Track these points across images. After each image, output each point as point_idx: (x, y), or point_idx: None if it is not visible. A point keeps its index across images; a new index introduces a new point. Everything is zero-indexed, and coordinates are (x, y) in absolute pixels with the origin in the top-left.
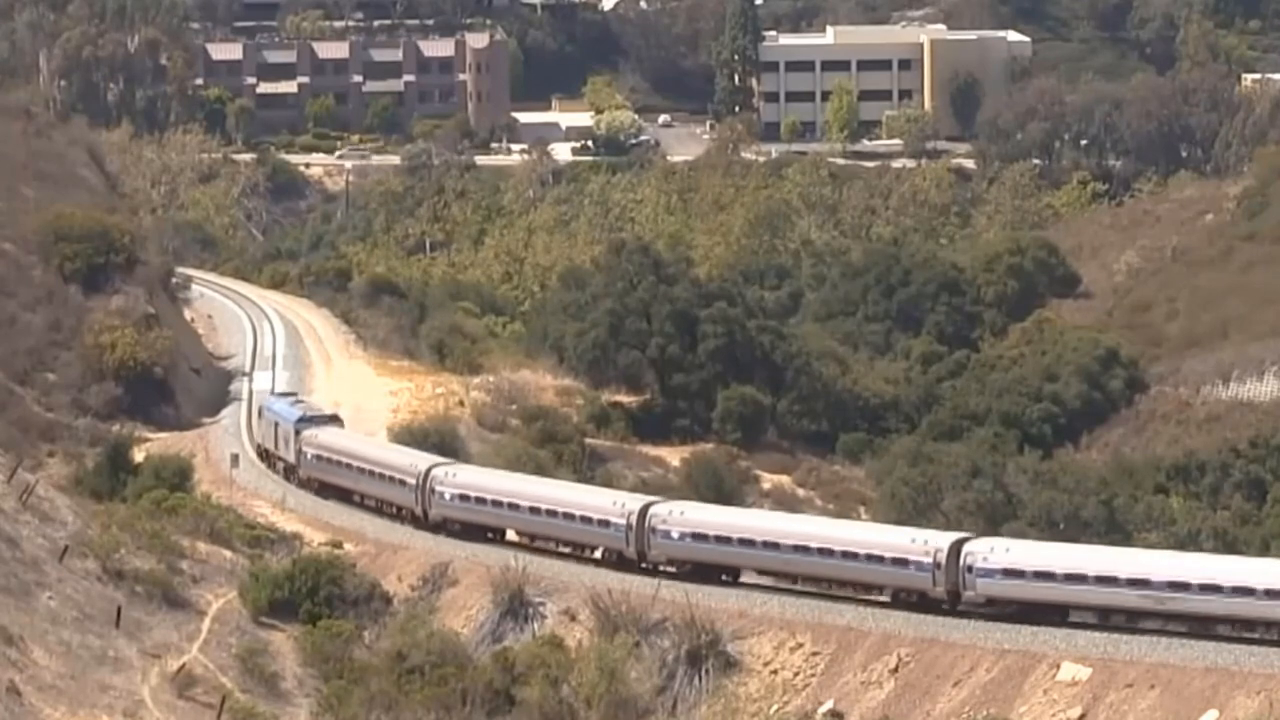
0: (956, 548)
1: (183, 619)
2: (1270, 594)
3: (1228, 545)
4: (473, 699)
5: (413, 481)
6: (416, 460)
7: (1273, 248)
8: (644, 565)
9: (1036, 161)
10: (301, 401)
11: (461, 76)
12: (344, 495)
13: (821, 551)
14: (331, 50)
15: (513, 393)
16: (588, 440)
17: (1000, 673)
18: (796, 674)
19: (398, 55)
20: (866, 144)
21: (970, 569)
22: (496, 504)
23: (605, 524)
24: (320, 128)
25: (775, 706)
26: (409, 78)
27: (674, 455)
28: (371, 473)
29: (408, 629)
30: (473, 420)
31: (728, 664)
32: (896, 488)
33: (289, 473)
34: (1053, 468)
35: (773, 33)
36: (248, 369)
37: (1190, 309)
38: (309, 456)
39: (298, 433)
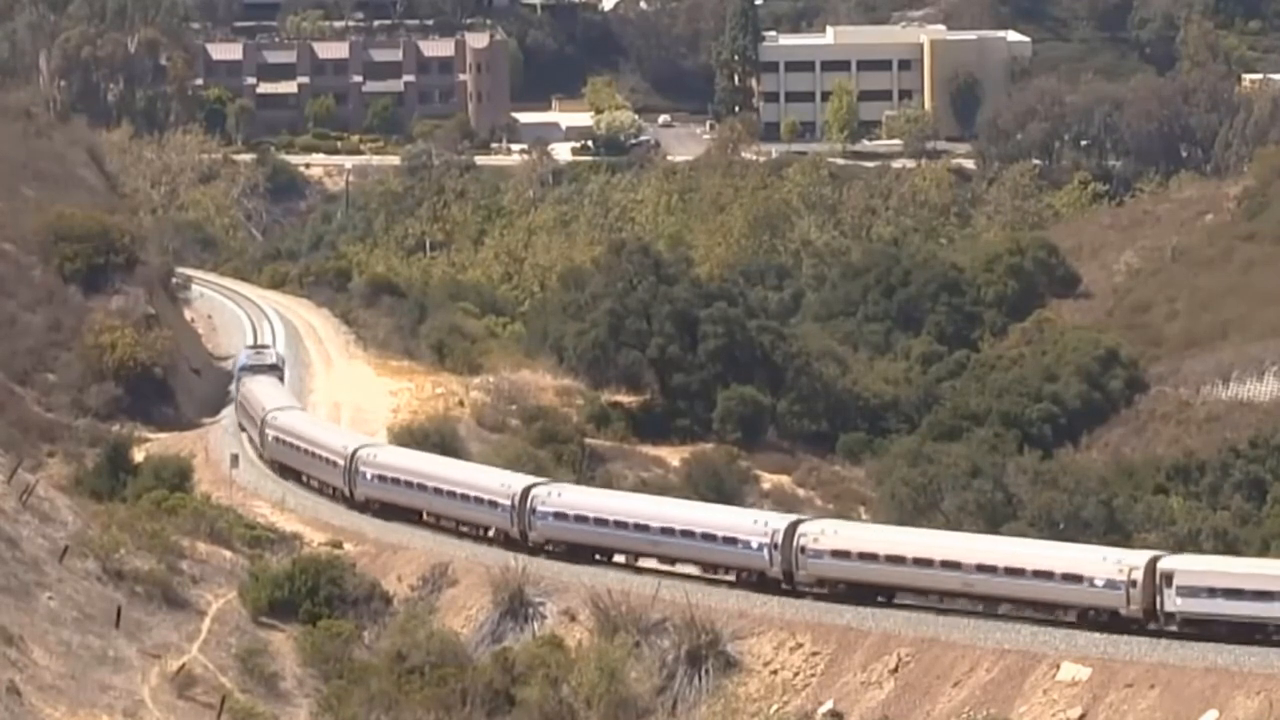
0: (526, 492)
1: (183, 619)
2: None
3: (1228, 545)
4: (473, 699)
5: (259, 424)
6: (266, 404)
7: (1273, 248)
8: (354, 502)
9: (1036, 162)
10: (261, 352)
11: (461, 76)
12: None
13: (448, 494)
14: (331, 50)
15: (513, 393)
16: (588, 440)
17: (1000, 673)
18: (796, 674)
19: (398, 55)
20: (866, 144)
21: (534, 511)
22: (293, 446)
23: (334, 465)
24: (320, 128)
25: (775, 706)
26: (409, 78)
27: (674, 455)
28: (250, 416)
29: (408, 629)
30: (473, 420)
31: (728, 664)
32: (896, 488)
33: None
34: (1053, 468)
35: (773, 33)
36: None
37: (1190, 309)
38: (237, 402)
39: (239, 380)
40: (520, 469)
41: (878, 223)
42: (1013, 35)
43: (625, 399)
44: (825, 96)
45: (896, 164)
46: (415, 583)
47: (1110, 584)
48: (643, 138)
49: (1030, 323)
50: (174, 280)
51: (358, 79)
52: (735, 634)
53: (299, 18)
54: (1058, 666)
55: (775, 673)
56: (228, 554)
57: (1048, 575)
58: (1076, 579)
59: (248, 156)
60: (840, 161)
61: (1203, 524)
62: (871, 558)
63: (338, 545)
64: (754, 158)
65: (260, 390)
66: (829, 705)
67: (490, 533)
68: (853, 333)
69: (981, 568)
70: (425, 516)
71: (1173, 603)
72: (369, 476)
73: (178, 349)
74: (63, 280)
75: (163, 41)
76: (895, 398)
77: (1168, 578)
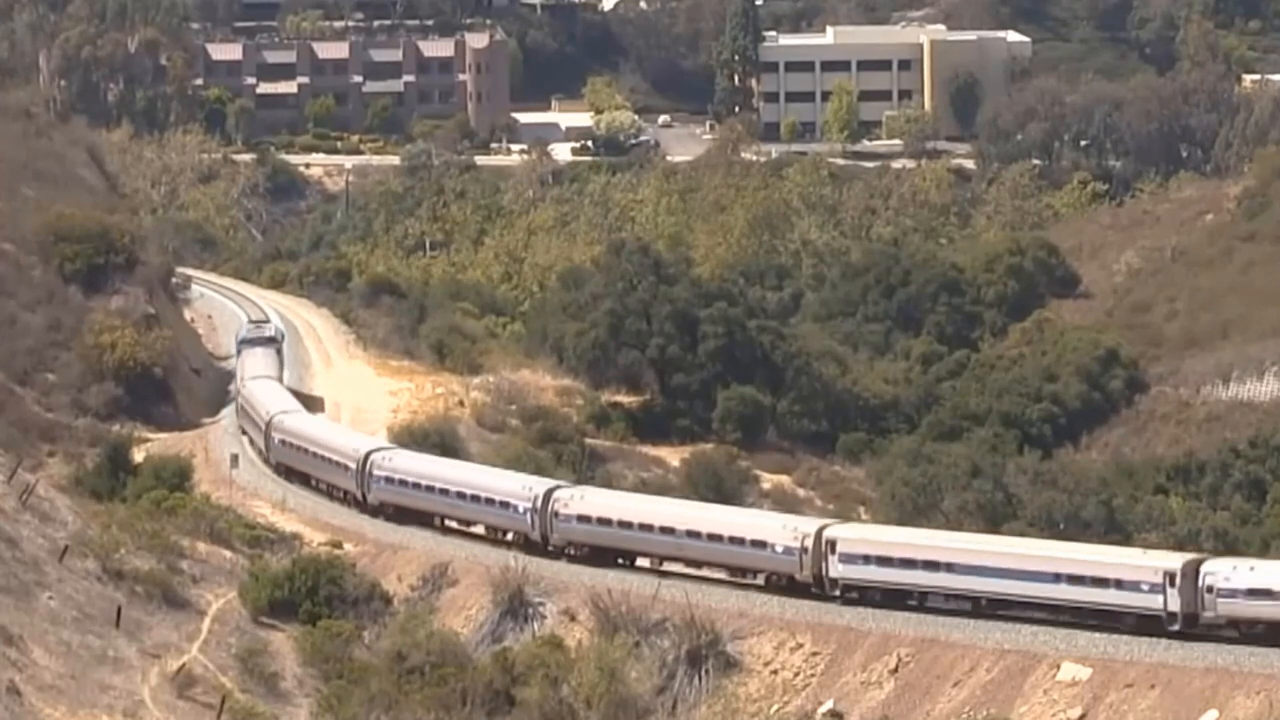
0: (367, 457)
1: (183, 619)
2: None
3: (1228, 545)
4: (473, 699)
5: (237, 393)
6: (245, 374)
7: (1273, 248)
8: (274, 465)
9: (1036, 162)
10: (260, 326)
11: (461, 76)
12: None
13: (321, 458)
14: (331, 50)
15: (513, 393)
16: (588, 440)
17: (1000, 673)
18: (796, 674)
19: (398, 55)
20: (866, 144)
21: (371, 475)
22: (246, 413)
23: (260, 430)
24: (320, 128)
25: (775, 706)
26: (409, 78)
27: (674, 455)
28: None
29: (408, 629)
30: (473, 420)
31: (728, 664)
32: (896, 488)
33: None
34: (1053, 468)
35: (773, 33)
36: None
37: (1190, 309)
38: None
39: (239, 351)
40: (520, 469)
41: (878, 223)
42: (1013, 35)
43: (625, 399)
44: (825, 96)
45: (896, 164)
46: (415, 583)
47: (787, 550)
48: (643, 138)
49: (1030, 323)
50: (174, 280)
51: (358, 79)
52: (735, 634)
53: (299, 18)
54: (1058, 666)
55: (775, 673)
56: (228, 554)
57: (740, 541)
58: (762, 545)
59: (248, 156)
60: (840, 161)
61: (1203, 524)
62: (607, 523)
63: (338, 545)
64: (754, 158)
65: (249, 362)
66: (829, 705)
67: (336, 491)
68: (853, 333)
69: (690, 534)
70: (313, 482)
71: (835, 569)
72: (277, 441)
73: (178, 349)
74: (63, 280)
75: (163, 41)
76: (895, 398)
77: (831, 545)
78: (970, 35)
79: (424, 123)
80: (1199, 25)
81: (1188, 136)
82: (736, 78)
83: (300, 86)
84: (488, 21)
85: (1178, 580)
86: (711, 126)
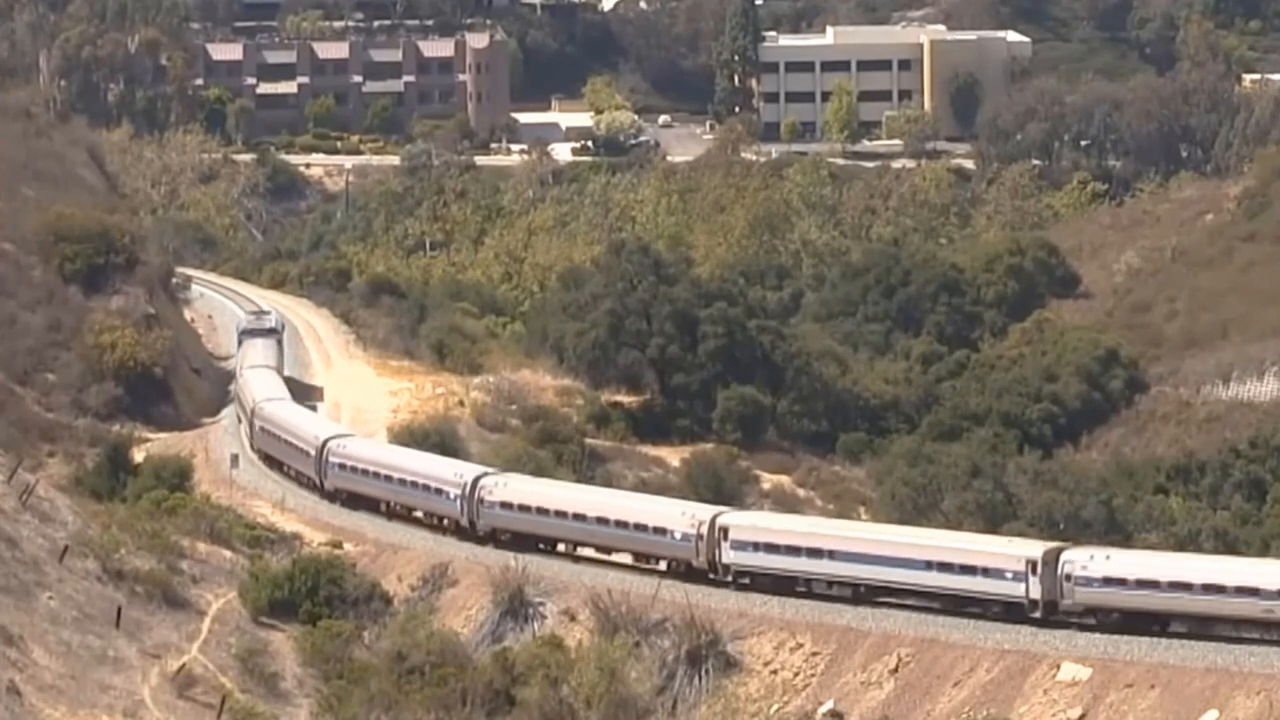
0: (323, 444)
1: (183, 619)
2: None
3: (1228, 545)
4: (473, 699)
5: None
6: (243, 364)
7: (1273, 248)
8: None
9: (1036, 162)
10: (260, 318)
11: (461, 77)
12: None
13: (287, 443)
14: (331, 50)
15: (513, 393)
16: (588, 440)
17: (1000, 673)
18: (796, 674)
19: (398, 55)
20: (866, 144)
21: (328, 462)
22: (240, 401)
23: (247, 417)
24: (320, 128)
25: (775, 706)
26: (409, 78)
27: (674, 455)
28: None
29: (408, 629)
30: (473, 420)
31: (728, 664)
32: (896, 488)
33: None
34: (1053, 468)
35: (773, 33)
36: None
37: (1190, 309)
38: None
39: (240, 342)
40: (519, 469)
41: (878, 223)
42: (1013, 35)
43: (625, 399)
44: (825, 97)
45: (896, 164)
46: (415, 583)
47: (685, 537)
48: (643, 138)
49: (1030, 323)
50: (174, 280)
51: (358, 79)
52: (735, 634)
53: (299, 18)
54: (1058, 666)
55: (775, 673)
56: (228, 554)
57: (644, 528)
58: (663, 532)
59: (248, 156)
60: (840, 161)
61: (1203, 524)
62: (526, 509)
63: (338, 545)
64: (754, 158)
65: (248, 353)
66: (829, 705)
67: (307, 482)
68: (853, 333)
69: (599, 520)
70: (284, 469)
71: (727, 555)
72: (258, 429)
73: (178, 349)
74: (63, 280)
75: (163, 41)
76: (895, 398)
77: (724, 532)
78: (970, 35)
79: (424, 123)
80: (1199, 25)
81: (1188, 136)
82: (736, 78)
83: (300, 86)
84: (488, 21)
85: (1039, 569)
86: (711, 126)
